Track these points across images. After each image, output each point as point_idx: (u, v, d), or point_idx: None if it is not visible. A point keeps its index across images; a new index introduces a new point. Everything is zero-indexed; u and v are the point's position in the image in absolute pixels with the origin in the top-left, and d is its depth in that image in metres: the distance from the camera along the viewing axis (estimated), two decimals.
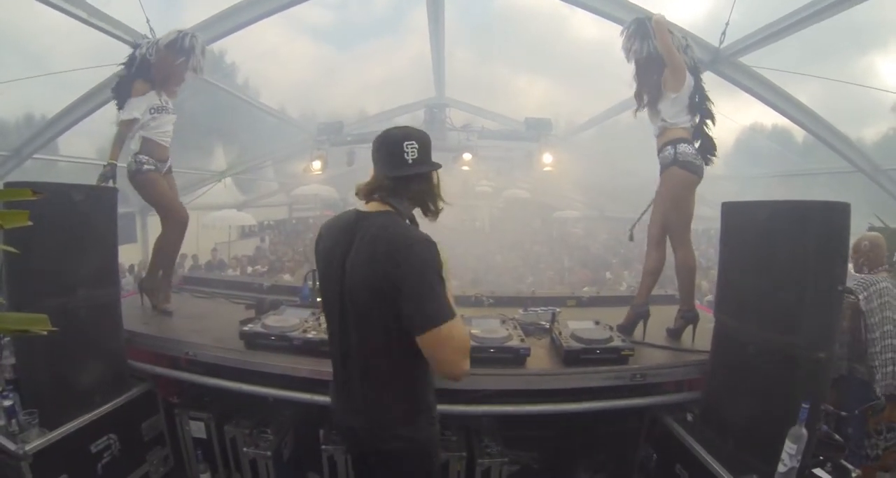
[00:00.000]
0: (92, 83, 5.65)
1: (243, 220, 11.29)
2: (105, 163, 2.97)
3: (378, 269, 1.43)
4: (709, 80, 5.54)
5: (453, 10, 7.43)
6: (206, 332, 2.82)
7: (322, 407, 2.46)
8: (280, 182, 14.82)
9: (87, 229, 2.45)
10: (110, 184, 2.92)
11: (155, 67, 3.12)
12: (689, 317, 2.83)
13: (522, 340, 2.45)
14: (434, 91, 9.83)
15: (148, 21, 4.69)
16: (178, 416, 2.84)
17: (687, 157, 2.72)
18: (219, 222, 10.32)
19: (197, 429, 2.80)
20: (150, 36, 4.56)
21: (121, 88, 3.15)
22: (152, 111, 3.11)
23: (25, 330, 0.37)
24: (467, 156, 8.14)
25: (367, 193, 1.58)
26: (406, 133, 1.55)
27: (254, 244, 12.59)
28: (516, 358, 2.37)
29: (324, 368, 2.32)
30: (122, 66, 3.22)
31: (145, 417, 2.78)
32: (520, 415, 2.43)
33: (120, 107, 3.12)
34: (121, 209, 3.24)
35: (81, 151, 7.35)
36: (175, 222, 3.30)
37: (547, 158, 7.65)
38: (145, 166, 3.09)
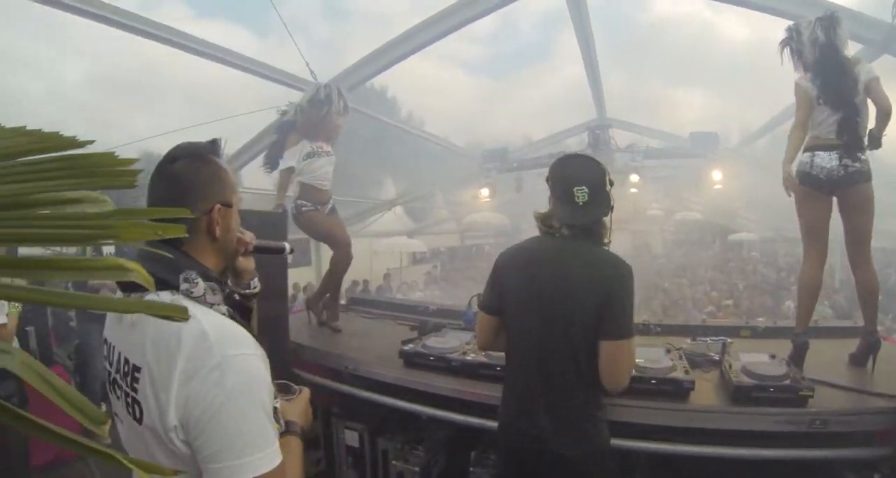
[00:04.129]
0: (263, 124, 6.53)
1: (414, 246, 11.83)
2: (274, 206, 3.32)
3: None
4: (887, 63, 4.72)
5: (600, 29, 7.30)
6: (368, 349, 2.98)
7: (475, 430, 2.44)
8: (450, 210, 15.14)
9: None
10: None
11: (302, 124, 3.41)
12: (870, 342, 2.45)
13: (687, 372, 2.20)
14: (595, 112, 9.57)
15: (308, 65, 5.28)
16: (334, 424, 3.01)
17: (801, 166, 2.51)
18: (389, 249, 10.85)
19: (351, 438, 2.93)
20: (312, 78, 5.15)
21: (273, 151, 3.50)
22: (306, 157, 3.35)
23: (169, 316, 0.45)
24: (634, 177, 7.73)
25: None
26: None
27: (424, 270, 12.95)
28: (678, 391, 2.12)
29: (480, 390, 2.34)
30: (274, 133, 3.59)
31: None
32: (678, 455, 2.26)
33: (272, 168, 3.48)
34: (298, 236, 3.61)
35: (260, 183, 8.27)
36: (338, 252, 3.49)
37: (716, 174, 7.06)
38: (304, 209, 3.33)
